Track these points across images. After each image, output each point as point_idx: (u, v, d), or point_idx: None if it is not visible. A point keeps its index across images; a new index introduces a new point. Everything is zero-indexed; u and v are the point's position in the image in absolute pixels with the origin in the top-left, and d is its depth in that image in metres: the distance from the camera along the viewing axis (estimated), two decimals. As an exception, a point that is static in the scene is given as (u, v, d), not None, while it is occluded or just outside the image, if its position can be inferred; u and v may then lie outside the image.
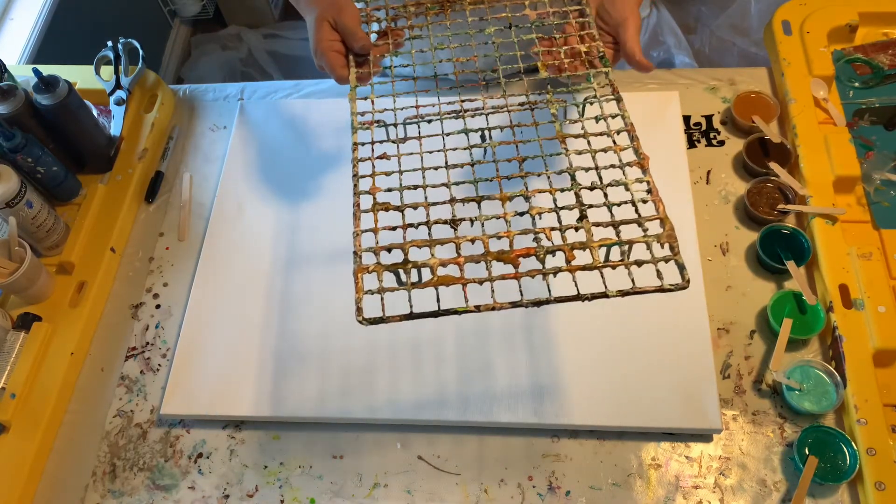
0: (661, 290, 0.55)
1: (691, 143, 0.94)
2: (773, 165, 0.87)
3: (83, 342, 0.86)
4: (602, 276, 0.57)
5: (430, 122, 0.69)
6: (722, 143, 0.93)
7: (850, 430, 0.72)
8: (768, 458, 0.73)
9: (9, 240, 0.84)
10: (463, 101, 0.70)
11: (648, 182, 0.61)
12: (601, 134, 0.66)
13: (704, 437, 0.75)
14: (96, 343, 0.88)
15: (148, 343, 0.87)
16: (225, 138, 1.02)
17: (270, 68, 2.28)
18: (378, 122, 0.69)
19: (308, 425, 0.79)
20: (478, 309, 0.55)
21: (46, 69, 0.91)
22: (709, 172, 0.91)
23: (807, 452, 0.70)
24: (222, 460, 0.78)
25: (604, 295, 0.56)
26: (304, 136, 0.99)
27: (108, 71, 1.03)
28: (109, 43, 1.03)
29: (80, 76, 1.03)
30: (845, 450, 0.70)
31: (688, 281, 0.55)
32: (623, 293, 0.56)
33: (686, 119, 0.95)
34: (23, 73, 0.97)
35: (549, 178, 0.63)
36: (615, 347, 0.78)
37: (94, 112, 1.00)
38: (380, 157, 0.66)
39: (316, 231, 0.90)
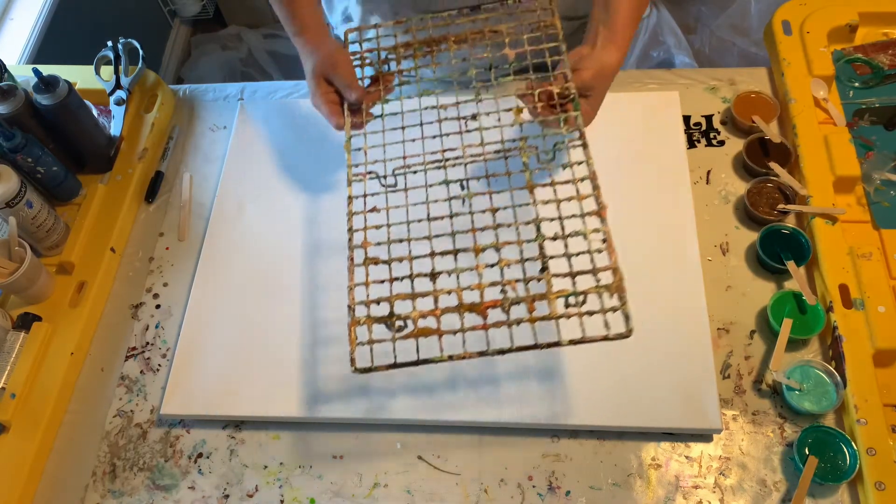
0: (605, 338, 0.62)
1: (691, 143, 0.94)
2: (773, 165, 0.87)
3: (83, 342, 0.86)
4: (557, 326, 0.66)
5: (415, 172, 0.76)
6: (722, 143, 0.93)
7: (850, 430, 0.72)
8: (768, 458, 0.73)
9: (9, 240, 0.84)
10: (444, 151, 0.76)
11: (605, 232, 0.66)
12: (566, 182, 0.71)
13: (704, 437, 0.75)
14: (96, 343, 0.88)
15: (148, 343, 0.87)
16: (225, 138, 1.02)
17: (270, 68, 2.28)
18: (370, 173, 0.76)
19: (308, 425, 0.79)
20: (451, 358, 0.64)
21: (46, 69, 0.91)
22: (709, 172, 0.91)
23: (807, 452, 0.70)
24: (222, 460, 0.78)
25: (557, 344, 0.63)
26: (304, 136, 0.99)
27: (108, 71, 1.03)
28: (109, 43, 1.03)
29: (80, 76, 1.03)
30: (845, 450, 0.70)
31: (630, 330, 0.61)
32: (573, 342, 0.63)
33: (686, 119, 0.95)
34: (23, 73, 0.97)
35: (517, 229, 0.70)
36: (615, 347, 0.78)
37: (94, 112, 1.00)
38: (371, 211, 0.74)
39: (316, 231, 0.90)
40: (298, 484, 0.76)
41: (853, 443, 0.70)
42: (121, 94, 1.01)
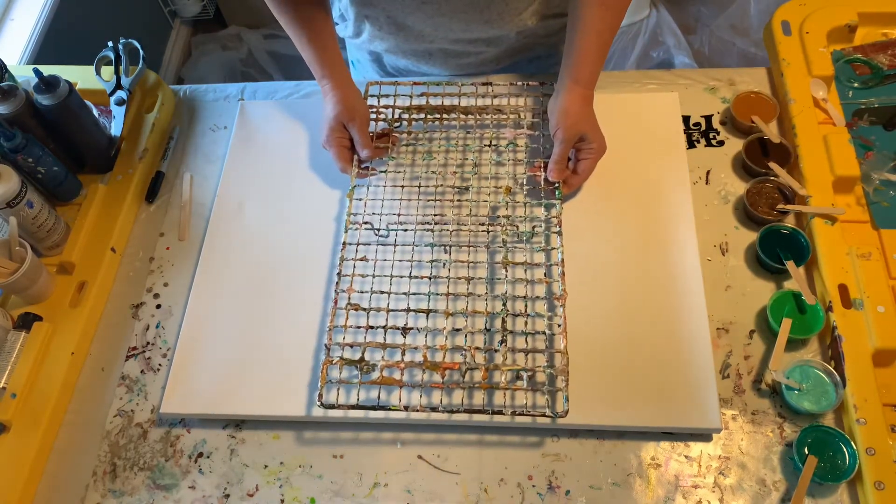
0: (543, 415, 0.72)
1: (691, 144, 0.94)
2: (773, 165, 0.87)
3: (83, 342, 0.86)
4: (510, 395, 0.75)
5: (406, 230, 0.85)
6: (721, 143, 0.94)
7: (850, 430, 0.72)
8: (768, 458, 0.73)
9: (9, 240, 0.84)
10: (436, 215, 0.86)
11: (562, 318, 0.76)
12: (540, 265, 0.82)
13: (704, 436, 0.75)
14: (97, 343, 0.88)
15: (148, 343, 0.87)
16: (225, 138, 1.02)
17: (270, 68, 2.28)
18: (366, 223, 0.86)
19: (308, 425, 0.79)
20: (406, 409, 0.73)
21: (47, 69, 0.91)
22: (708, 172, 0.91)
23: (806, 452, 0.70)
24: (223, 460, 0.78)
25: (500, 412, 0.73)
26: (304, 136, 0.99)
27: (108, 71, 1.03)
28: (110, 43, 1.03)
29: (80, 76, 1.03)
30: (845, 449, 0.70)
31: (566, 412, 0.71)
32: (514, 413, 0.73)
33: (686, 119, 0.95)
34: (23, 74, 0.98)
35: (486, 301, 0.80)
36: (615, 347, 0.78)
37: (95, 112, 1.00)
38: (361, 259, 0.83)
39: (316, 231, 0.90)
40: (298, 483, 0.76)
41: (852, 442, 0.70)
42: (121, 94, 1.01)
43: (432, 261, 0.83)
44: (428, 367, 0.75)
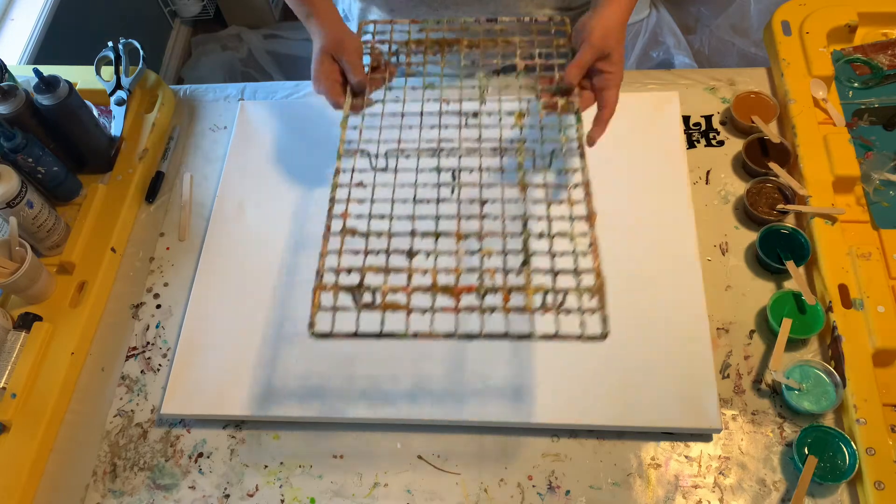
0: (580, 338, 0.60)
1: (691, 144, 0.94)
2: (773, 165, 0.87)
3: (84, 342, 0.86)
4: (532, 321, 0.66)
5: (408, 156, 0.75)
6: (721, 143, 0.94)
7: (850, 430, 0.72)
8: (768, 458, 0.73)
9: (9, 240, 0.84)
10: (441, 140, 0.75)
11: (592, 237, 0.66)
12: (560, 186, 0.73)
13: (704, 436, 0.75)
14: (97, 343, 0.88)
15: (148, 343, 0.87)
16: (225, 138, 1.02)
17: (270, 68, 2.28)
18: (362, 150, 0.75)
19: (308, 425, 0.79)
20: (415, 336, 0.61)
21: (47, 69, 0.91)
22: (708, 172, 0.91)
23: (806, 452, 0.70)
24: (223, 460, 0.78)
25: (529, 336, 0.62)
26: (304, 136, 0.99)
27: (108, 71, 1.03)
28: (110, 43, 1.03)
29: (80, 76, 1.03)
30: (845, 449, 0.70)
31: (606, 333, 0.60)
32: (546, 337, 0.61)
33: (685, 119, 0.95)
34: (23, 74, 0.98)
35: (503, 222, 0.69)
36: (615, 347, 0.78)
37: (95, 112, 1.00)
38: (357, 185, 0.72)
39: (315, 231, 0.90)
40: (298, 483, 0.76)
41: (852, 442, 0.70)
42: (121, 94, 1.01)
43: (438, 184, 0.72)
44: (439, 291, 0.64)
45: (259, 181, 0.95)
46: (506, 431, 0.77)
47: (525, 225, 0.69)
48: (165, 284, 0.91)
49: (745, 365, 0.78)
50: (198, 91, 1.09)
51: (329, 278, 0.65)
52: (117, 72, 1.02)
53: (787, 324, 0.77)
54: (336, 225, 0.69)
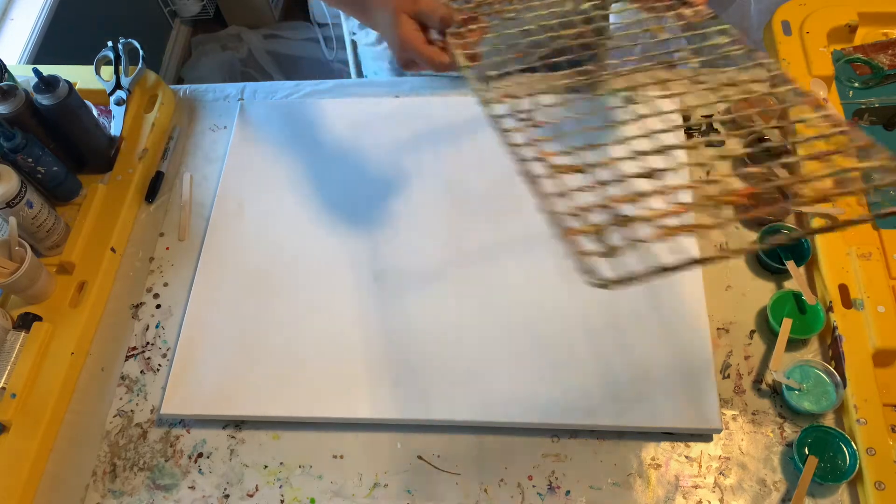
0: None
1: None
2: (776, 168, 0.86)
3: (83, 342, 0.86)
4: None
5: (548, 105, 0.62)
6: (721, 143, 0.93)
7: (850, 430, 0.72)
8: (768, 458, 0.73)
9: (9, 240, 0.84)
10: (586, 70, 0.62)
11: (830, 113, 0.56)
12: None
13: (704, 436, 0.75)
14: (97, 343, 0.88)
15: (148, 343, 0.87)
16: (225, 138, 1.02)
17: (270, 68, 2.28)
18: (507, 96, 0.62)
19: (308, 425, 0.79)
20: (702, 262, 0.50)
21: (47, 69, 0.91)
22: (708, 173, 0.91)
23: (806, 452, 0.70)
24: (222, 460, 0.78)
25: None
26: (304, 136, 0.99)
27: (108, 71, 1.03)
28: (109, 43, 1.03)
29: (80, 76, 1.03)
30: (845, 449, 0.70)
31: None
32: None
33: (686, 119, 0.95)
34: (23, 73, 0.97)
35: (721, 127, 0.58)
36: (615, 347, 0.78)
37: (95, 112, 1.00)
38: (533, 125, 0.59)
39: (316, 231, 0.90)
40: (298, 484, 0.76)
41: (853, 442, 0.70)
42: (121, 94, 1.01)
43: (615, 107, 0.61)
44: (723, 203, 0.53)
45: (259, 181, 0.95)
46: (506, 431, 0.77)
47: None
48: (165, 284, 0.91)
49: (745, 365, 0.78)
50: (198, 91, 1.09)
51: (570, 222, 0.52)
52: (117, 72, 1.02)
53: (787, 324, 0.77)
54: (537, 169, 0.56)
